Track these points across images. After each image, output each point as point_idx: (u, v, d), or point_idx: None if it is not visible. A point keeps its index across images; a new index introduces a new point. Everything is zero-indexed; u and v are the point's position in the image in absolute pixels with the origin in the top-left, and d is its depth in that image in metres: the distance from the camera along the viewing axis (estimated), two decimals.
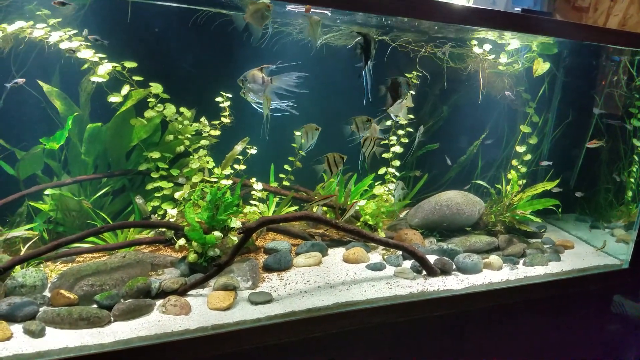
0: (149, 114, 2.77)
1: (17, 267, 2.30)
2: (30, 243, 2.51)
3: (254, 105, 2.33)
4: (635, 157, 3.64)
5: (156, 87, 2.76)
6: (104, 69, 2.57)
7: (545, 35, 2.82)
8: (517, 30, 2.65)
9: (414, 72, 3.21)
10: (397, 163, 3.31)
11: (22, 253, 2.46)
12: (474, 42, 3.22)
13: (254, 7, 2.14)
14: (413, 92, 3.20)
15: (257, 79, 2.23)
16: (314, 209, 3.24)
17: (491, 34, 3.05)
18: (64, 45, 2.48)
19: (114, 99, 2.65)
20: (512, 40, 3.21)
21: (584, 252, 3.31)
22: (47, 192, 2.69)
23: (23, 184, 2.69)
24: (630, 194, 3.69)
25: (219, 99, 2.91)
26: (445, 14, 2.33)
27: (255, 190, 3.02)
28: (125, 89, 2.66)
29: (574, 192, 3.65)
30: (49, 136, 2.61)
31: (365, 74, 2.34)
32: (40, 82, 2.65)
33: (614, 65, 3.63)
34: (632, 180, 3.67)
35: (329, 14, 2.56)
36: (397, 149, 3.30)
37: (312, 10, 2.36)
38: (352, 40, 2.93)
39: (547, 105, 3.64)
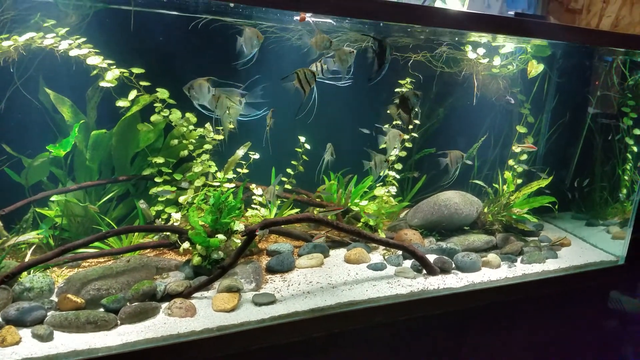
0: (155, 118, 2.81)
1: (24, 273, 2.34)
2: (32, 249, 2.55)
3: (199, 108, 2.40)
4: (629, 155, 3.70)
5: (162, 93, 2.80)
6: (112, 75, 2.63)
7: (538, 38, 2.88)
8: (511, 33, 2.71)
9: (407, 79, 3.27)
10: (399, 166, 3.36)
11: (27, 258, 2.50)
12: (469, 47, 3.28)
13: (249, 32, 2.22)
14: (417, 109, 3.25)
15: (202, 89, 2.29)
16: (315, 211, 3.29)
17: (486, 38, 3.10)
18: (73, 53, 2.53)
19: (121, 103, 2.70)
20: (507, 43, 3.27)
21: (580, 249, 3.36)
22: (52, 198, 2.74)
23: (29, 191, 2.73)
24: (624, 191, 3.75)
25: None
26: (440, 18, 2.38)
27: (256, 195, 3.07)
28: (133, 94, 2.71)
29: (571, 190, 3.71)
30: (54, 143, 2.66)
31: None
32: (48, 90, 2.70)
33: (606, 66, 3.69)
34: (625, 177, 3.73)
35: (334, 23, 2.61)
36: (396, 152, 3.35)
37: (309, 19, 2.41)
38: (356, 44, 2.98)
39: (542, 106, 3.70)
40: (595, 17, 3.71)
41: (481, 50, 3.31)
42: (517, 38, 3.02)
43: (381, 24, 2.60)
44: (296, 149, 3.18)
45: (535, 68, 3.28)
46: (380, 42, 2.29)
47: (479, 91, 3.46)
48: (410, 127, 3.33)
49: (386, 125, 3.01)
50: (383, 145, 2.84)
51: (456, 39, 3.17)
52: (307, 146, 3.16)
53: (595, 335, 3.32)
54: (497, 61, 3.38)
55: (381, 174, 2.80)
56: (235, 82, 2.49)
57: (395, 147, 2.83)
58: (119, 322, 2.13)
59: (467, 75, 3.46)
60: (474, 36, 3.08)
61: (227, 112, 2.40)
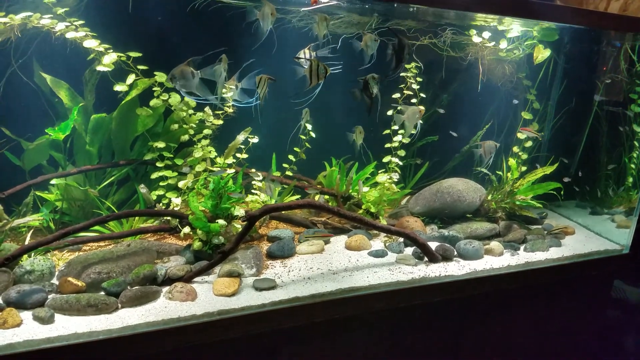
0: (154, 102, 2.78)
1: (25, 256, 2.34)
2: (32, 232, 2.55)
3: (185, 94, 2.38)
4: (636, 143, 3.65)
5: (161, 76, 2.77)
6: (109, 59, 2.59)
7: (546, 21, 2.82)
8: (518, 15, 2.65)
9: (412, 63, 3.22)
10: (402, 153, 3.33)
11: (27, 241, 2.50)
12: (474, 30, 3.21)
13: (267, 7, 2.18)
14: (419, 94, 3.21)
15: (186, 75, 2.25)
16: (316, 197, 3.27)
17: (492, 21, 3.04)
18: (69, 35, 2.49)
19: (119, 88, 2.66)
20: (513, 27, 3.21)
21: (584, 237, 3.33)
22: (52, 182, 2.73)
23: (29, 174, 2.72)
24: (630, 179, 3.71)
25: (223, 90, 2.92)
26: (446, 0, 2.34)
27: (256, 180, 3.05)
28: (131, 79, 2.68)
29: (576, 178, 3.67)
30: (53, 127, 2.64)
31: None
32: (44, 74, 2.67)
33: (614, 51, 3.62)
34: (632, 166, 3.68)
35: (343, 4, 2.55)
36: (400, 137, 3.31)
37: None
38: (355, 29, 2.93)
39: (548, 92, 3.65)
40: (603, 1, 3.63)
41: (486, 34, 3.24)
42: (524, 20, 2.96)
43: (395, 5, 2.55)
44: (300, 136, 3.15)
45: (542, 53, 3.22)
46: (400, 39, 2.28)
47: (484, 77, 3.40)
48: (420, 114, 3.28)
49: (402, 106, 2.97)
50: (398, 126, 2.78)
51: (462, 23, 3.11)
52: (312, 134, 3.12)
53: (599, 324, 3.31)
54: (503, 45, 3.32)
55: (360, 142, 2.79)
56: (234, 65, 2.46)
57: (415, 126, 2.77)
58: (119, 305, 2.13)
59: (472, 60, 3.40)
60: (480, 19, 3.02)
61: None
